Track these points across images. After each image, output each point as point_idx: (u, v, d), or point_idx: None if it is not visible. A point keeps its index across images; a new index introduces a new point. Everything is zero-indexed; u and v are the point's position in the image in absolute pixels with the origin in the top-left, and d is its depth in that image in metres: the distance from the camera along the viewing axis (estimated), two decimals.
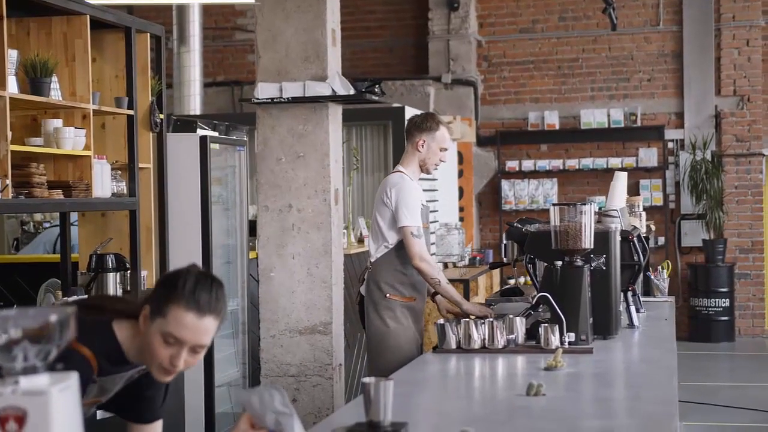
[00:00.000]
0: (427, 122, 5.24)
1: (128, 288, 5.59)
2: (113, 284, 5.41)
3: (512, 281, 10.43)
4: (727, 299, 11.96)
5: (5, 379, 1.76)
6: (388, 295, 5.12)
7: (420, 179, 4.84)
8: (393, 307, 5.11)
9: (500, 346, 4.15)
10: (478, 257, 10.61)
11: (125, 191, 5.56)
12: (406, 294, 5.13)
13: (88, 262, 5.49)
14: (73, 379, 1.81)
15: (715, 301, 11.93)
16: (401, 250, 5.11)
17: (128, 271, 5.58)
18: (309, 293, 5.49)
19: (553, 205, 4.40)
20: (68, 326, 1.80)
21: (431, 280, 5.05)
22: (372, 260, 5.21)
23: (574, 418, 3.01)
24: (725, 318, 11.97)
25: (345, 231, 7.86)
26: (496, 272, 10.75)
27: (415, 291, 5.16)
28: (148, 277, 5.82)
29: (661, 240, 12.27)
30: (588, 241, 4.33)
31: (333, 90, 5.40)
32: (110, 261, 5.43)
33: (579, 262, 4.33)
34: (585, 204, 4.38)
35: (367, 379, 2.67)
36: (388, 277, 5.13)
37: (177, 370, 2.62)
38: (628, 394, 3.57)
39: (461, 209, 12.07)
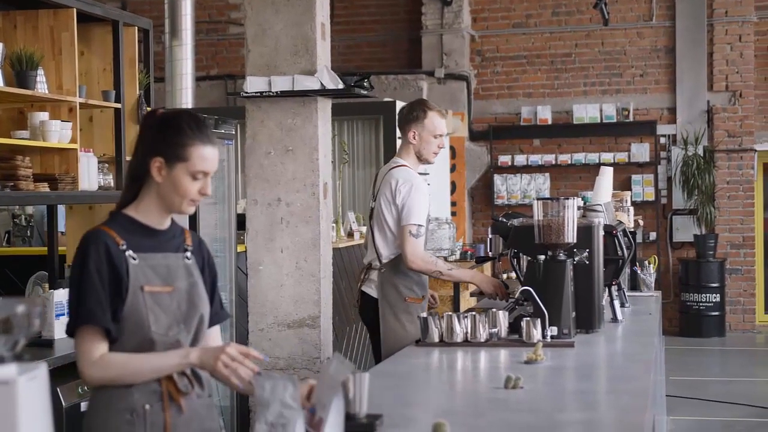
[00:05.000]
0: (413, 112, 5.11)
1: None
2: None
3: (506, 276, 10.43)
4: (718, 294, 11.99)
5: None
6: (407, 298, 5.02)
7: None
8: (411, 310, 5.01)
9: (482, 340, 4.16)
10: (469, 252, 10.62)
11: (112, 184, 5.57)
12: (420, 294, 5.09)
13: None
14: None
15: (706, 297, 11.96)
16: None
17: None
18: (297, 287, 5.49)
19: (537, 199, 4.41)
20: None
21: (432, 275, 5.02)
22: (383, 261, 5.05)
23: (549, 411, 3.04)
24: (716, 313, 12.00)
25: (334, 225, 7.88)
26: (489, 266, 10.76)
27: (424, 289, 5.13)
28: None
29: (653, 235, 12.29)
30: (571, 236, 4.34)
31: (322, 84, 5.39)
32: None
33: (562, 257, 4.34)
34: (568, 199, 4.39)
35: None
36: (405, 278, 5.02)
37: (201, 199, 2.86)
38: (604, 387, 3.59)
39: (454, 204, 12.10)
